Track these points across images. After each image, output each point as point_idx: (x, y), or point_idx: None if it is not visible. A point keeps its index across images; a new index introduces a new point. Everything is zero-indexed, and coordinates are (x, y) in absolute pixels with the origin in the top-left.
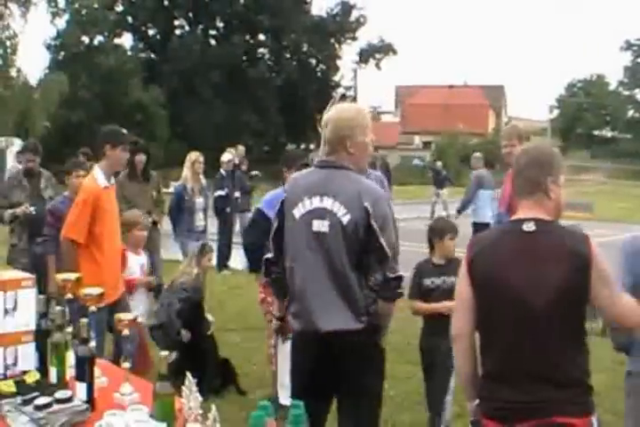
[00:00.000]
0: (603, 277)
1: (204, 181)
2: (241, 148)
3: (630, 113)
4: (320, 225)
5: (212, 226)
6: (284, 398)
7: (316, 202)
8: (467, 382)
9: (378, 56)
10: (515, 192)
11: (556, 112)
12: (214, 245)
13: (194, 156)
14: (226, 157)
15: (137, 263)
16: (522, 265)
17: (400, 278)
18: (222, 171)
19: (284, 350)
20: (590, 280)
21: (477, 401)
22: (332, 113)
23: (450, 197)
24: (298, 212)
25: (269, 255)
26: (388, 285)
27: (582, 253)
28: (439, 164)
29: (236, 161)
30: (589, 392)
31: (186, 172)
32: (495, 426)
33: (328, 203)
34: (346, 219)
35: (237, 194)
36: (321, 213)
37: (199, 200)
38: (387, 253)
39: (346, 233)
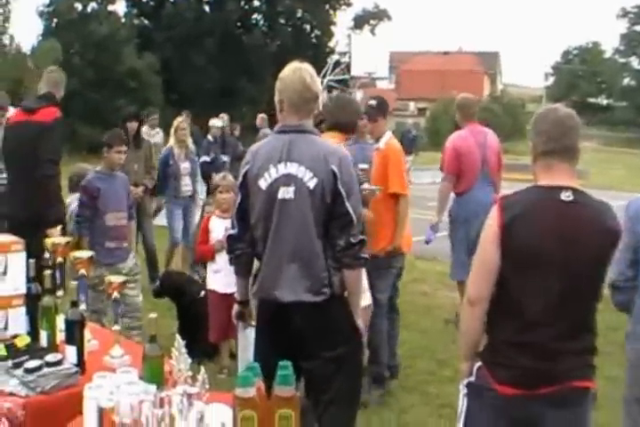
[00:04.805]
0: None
1: (192, 146)
2: (225, 116)
3: (626, 81)
4: (285, 192)
5: (203, 192)
6: None
7: (281, 169)
8: (472, 345)
9: (372, 22)
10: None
11: (551, 79)
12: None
13: (176, 122)
14: (213, 122)
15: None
16: (562, 235)
17: (363, 243)
18: (209, 137)
19: (247, 337)
20: (612, 254)
21: (479, 365)
22: (299, 74)
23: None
24: (264, 182)
25: (233, 231)
26: (350, 250)
27: (615, 230)
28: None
29: (223, 126)
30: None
31: (171, 138)
32: (514, 391)
33: (293, 168)
34: (312, 183)
35: (225, 158)
36: (286, 180)
37: (184, 165)
38: (352, 218)
39: (313, 199)
